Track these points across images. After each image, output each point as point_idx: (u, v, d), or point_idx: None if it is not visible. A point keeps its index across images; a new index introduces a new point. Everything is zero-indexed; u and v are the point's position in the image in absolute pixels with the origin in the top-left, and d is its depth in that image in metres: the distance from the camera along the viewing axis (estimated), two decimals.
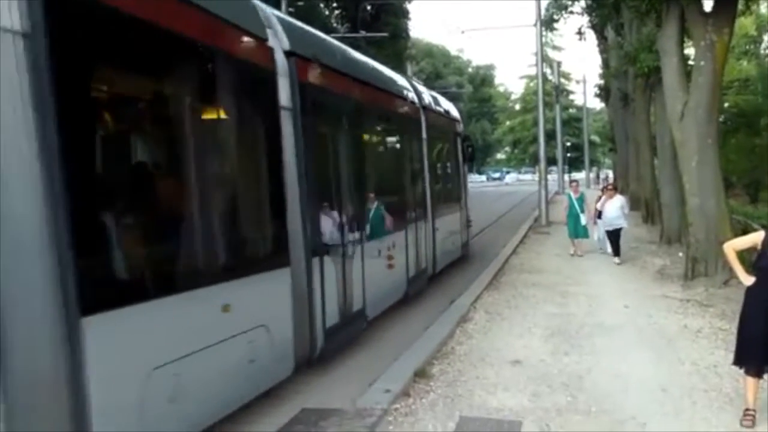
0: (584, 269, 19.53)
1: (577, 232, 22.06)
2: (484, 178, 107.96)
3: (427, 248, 16.55)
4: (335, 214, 10.91)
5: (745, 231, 16.34)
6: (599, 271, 19.35)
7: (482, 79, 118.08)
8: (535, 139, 74.22)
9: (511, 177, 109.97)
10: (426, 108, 17.68)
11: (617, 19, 33.30)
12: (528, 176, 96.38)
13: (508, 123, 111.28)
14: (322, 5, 52.00)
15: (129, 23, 6.24)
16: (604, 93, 52.87)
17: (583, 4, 39.47)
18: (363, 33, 41.10)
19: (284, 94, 9.39)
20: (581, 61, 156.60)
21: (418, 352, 10.62)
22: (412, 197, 15.91)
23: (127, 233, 6.32)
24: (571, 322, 13.03)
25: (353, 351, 11.21)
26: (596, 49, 52.18)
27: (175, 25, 6.96)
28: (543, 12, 38.10)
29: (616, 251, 20.58)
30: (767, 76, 41.65)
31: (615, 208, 20.63)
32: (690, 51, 19.17)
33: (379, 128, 14.90)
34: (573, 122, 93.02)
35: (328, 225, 10.58)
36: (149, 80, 7.00)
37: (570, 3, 41.39)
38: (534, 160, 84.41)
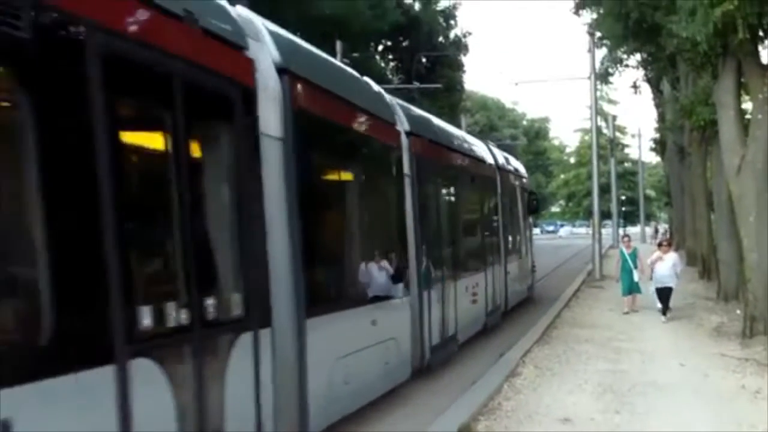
0: (638, 325, 19.10)
1: (631, 287, 21.39)
2: (538, 231, 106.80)
3: (501, 288, 19.65)
4: (436, 257, 13.86)
5: None
6: (653, 327, 18.90)
7: (537, 131, 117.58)
8: (589, 193, 73.76)
9: (565, 230, 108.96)
10: (500, 168, 21.23)
11: (673, 72, 33.07)
12: (582, 230, 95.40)
13: (562, 176, 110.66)
14: (377, 57, 52.48)
15: (334, 128, 10.09)
16: (659, 147, 52.26)
17: (638, 57, 39.20)
18: (417, 84, 41.16)
19: (406, 165, 12.77)
20: (637, 114, 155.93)
21: (464, 407, 10.38)
22: (490, 244, 19.21)
23: (329, 269, 9.81)
24: (623, 380, 12.66)
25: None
26: (651, 103, 51.77)
27: (354, 125, 10.84)
28: (598, 65, 37.82)
29: (665, 310, 19.96)
30: None
31: (667, 266, 20.04)
32: (748, 105, 18.80)
33: (467, 187, 17.88)
34: (628, 176, 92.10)
35: (431, 266, 13.46)
36: (347, 162, 10.90)
37: (625, 57, 41.13)
38: (588, 214, 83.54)
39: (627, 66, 42.33)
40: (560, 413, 10.44)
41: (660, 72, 37.27)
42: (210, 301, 6.41)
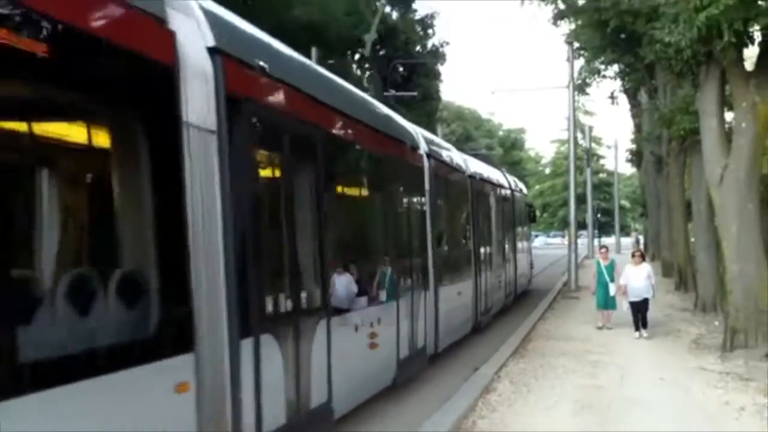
0: (615, 338, 18.55)
1: (606, 302, 20.28)
2: None
3: (513, 278, 26.35)
4: (482, 254, 20.38)
5: None
6: (631, 340, 18.36)
7: (512, 142, 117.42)
8: (564, 203, 73.43)
9: (539, 240, 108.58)
10: (512, 190, 28.18)
11: (651, 82, 32.91)
12: (557, 240, 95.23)
13: (537, 187, 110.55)
14: (354, 66, 52.04)
15: (447, 169, 17.40)
16: (635, 157, 52.13)
17: (616, 68, 38.99)
18: (393, 92, 40.69)
19: (470, 197, 19.79)
20: (612, 126, 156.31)
21: (436, 427, 9.78)
22: (508, 247, 26.03)
23: (446, 259, 16.35)
24: (602, 396, 12.18)
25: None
26: (627, 115, 51.71)
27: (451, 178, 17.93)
28: (576, 75, 37.49)
29: (644, 323, 18.81)
30: None
31: (642, 277, 18.90)
32: (730, 114, 18.45)
33: (497, 206, 23.89)
34: (603, 186, 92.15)
35: (481, 260, 19.98)
36: (452, 199, 18.25)
37: (603, 67, 40.92)
38: (563, 224, 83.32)
39: (604, 77, 42.19)
40: None
41: (637, 83, 37.21)
42: (412, 275, 13.30)
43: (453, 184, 18.05)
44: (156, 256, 5.86)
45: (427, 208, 14.51)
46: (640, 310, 18.83)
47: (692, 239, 27.43)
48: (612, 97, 43.55)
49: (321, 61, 34.75)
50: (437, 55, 54.62)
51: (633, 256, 20.19)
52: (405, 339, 12.51)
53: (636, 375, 14.07)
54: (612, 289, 20.09)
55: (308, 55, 34.03)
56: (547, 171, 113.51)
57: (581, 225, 53.50)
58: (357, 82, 46.40)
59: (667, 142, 31.16)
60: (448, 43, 55.06)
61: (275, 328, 7.47)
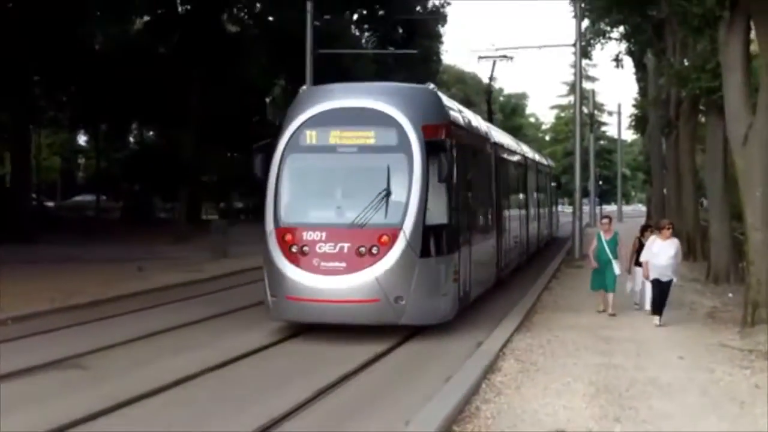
0: (626, 312, 17.10)
1: (607, 283, 16.94)
2: None
3: (551, 223, 40.72)
4: (546, 210, 38.16)
5: None
6: (642, 313, 16.82)
7: (513, 108, 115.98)
8: (564, 171, 72.28)
9: None
10: (548, 166, 41.65)
11: (659, 44, 31.76)
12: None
13: None
14: (353, 26, 50.98)
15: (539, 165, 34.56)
16: (639, 123, 50.95)
17: (621, 30, 37.83)
18: (392, 50, 39.55)
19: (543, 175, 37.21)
20: (614, 93, 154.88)
21: (435, 413, 8.57)
22: (549, 203, 39.86)
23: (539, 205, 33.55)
24: (619, 377, 11.00)
25: None
26: (630, 81, 50.73)
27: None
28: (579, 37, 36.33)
29: (659, 309, 15.65)
30: None
31: (668, 255, 15.68)
32: None
33: (543, 178, 36.68)
34: (604, 154, 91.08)
35: (543, 213, 36.58)
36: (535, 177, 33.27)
37: (608, 29, 39.74)
38: (563, 192, 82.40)
39: (610, 38, 41.01)
40: (550, 421, 8.73)
41: (644, 44, 36.09)
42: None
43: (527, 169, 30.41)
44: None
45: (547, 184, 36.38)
46: (659, 292, 15.74)
47: (708, 206, 26.29)
48: (617, 59, 42.38)
49: (317, 17, 33.66)
50: (438, 15, 53.56)
51: (660, 229, 16.57)
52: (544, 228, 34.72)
53: (653, 352, 12.91)
54: (616, 268, 16.99)
55: (304, 11, 33.00)
56: (547, 138, 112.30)
57: (583, 193, 52.58)
58: (357, 42, 45.32)
59: (676, 106, 29.94)
60: (449, 4, 53.76)
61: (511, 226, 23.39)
